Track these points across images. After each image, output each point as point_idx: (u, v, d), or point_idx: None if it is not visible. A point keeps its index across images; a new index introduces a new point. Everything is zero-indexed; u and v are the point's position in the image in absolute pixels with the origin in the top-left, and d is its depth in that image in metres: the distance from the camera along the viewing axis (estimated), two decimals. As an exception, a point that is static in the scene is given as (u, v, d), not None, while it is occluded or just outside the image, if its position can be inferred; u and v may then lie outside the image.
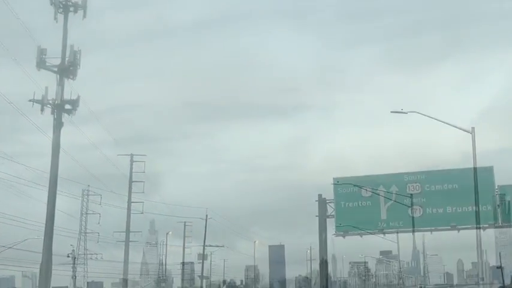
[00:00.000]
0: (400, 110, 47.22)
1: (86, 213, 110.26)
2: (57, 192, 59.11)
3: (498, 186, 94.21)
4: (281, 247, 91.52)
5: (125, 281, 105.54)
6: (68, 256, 79.57)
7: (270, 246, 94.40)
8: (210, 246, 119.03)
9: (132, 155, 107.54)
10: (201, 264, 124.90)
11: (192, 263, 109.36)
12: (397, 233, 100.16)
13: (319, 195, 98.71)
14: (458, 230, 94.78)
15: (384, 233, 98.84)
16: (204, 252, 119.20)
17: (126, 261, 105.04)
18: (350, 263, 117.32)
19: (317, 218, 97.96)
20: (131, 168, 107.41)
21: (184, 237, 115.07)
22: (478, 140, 73.46)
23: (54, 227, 59.19)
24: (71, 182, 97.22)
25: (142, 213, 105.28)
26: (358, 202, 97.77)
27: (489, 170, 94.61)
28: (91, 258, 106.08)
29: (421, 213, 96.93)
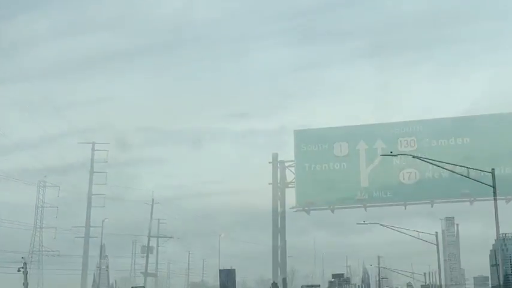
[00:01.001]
0: None
1: (42, 207, 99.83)
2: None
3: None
4: (232, 271, 73.94)
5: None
6: (19, 270, 65.89)
7: (220, 270, 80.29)
8: (158, 237, 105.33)
9: (93, 143, 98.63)
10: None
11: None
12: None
13: (273, 154, 70.57)
14: (471, 201, 67.13)
15: (366, 207, 71.00)
16: (148, 244, 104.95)
17: (85, 256, 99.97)
18: (302, 286, 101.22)
19: (270, 186, 69.86)
20: (92, 158, 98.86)
21: (157, 238, 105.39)
22: None
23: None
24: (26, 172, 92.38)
25: (103, 206, 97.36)
26: (329, 164, 70.31)
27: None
28: (47, 256, 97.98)
29: (417, 178, 68.92)
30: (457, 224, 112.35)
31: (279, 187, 71.16)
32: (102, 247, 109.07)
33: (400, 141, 69.88)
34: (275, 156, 71.74)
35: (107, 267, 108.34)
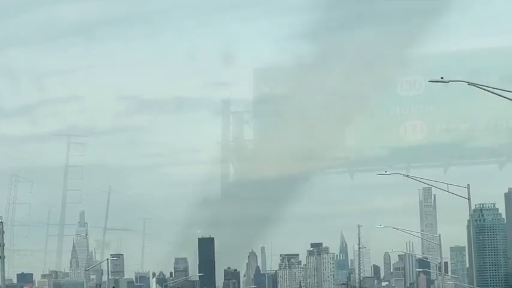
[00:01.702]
0: None
1: (14, 203, 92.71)
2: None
3: None
4: (210, 240, 60.47)
5: (55, 272, 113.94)
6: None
7: (199, 239, 70.21)
8: (113, 229, 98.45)
9: (69, 136, 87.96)
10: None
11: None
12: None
13: (223, 101, 52.41)
14: (502, 163, 50.60)
15: (352, 172, 54.11)
16: (104, 237, 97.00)
17: (59, 251, 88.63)
18: (281, 255, 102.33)
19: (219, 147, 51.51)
20: (68, 151, 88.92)
21: (143, 235, 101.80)
22: None
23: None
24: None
25: (80, 202, 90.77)
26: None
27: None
28: (18, 255, 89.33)
29: (425, 133, 52.34)
30: (434, 195, 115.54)
31: (231, 148, 53.05)
32: (81, 214, 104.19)
33: (401, 82, 52.56)
34: (226, 104, 53.44)
35: (86, 234, 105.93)
